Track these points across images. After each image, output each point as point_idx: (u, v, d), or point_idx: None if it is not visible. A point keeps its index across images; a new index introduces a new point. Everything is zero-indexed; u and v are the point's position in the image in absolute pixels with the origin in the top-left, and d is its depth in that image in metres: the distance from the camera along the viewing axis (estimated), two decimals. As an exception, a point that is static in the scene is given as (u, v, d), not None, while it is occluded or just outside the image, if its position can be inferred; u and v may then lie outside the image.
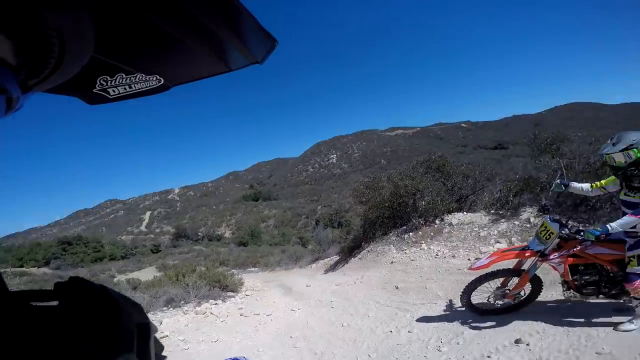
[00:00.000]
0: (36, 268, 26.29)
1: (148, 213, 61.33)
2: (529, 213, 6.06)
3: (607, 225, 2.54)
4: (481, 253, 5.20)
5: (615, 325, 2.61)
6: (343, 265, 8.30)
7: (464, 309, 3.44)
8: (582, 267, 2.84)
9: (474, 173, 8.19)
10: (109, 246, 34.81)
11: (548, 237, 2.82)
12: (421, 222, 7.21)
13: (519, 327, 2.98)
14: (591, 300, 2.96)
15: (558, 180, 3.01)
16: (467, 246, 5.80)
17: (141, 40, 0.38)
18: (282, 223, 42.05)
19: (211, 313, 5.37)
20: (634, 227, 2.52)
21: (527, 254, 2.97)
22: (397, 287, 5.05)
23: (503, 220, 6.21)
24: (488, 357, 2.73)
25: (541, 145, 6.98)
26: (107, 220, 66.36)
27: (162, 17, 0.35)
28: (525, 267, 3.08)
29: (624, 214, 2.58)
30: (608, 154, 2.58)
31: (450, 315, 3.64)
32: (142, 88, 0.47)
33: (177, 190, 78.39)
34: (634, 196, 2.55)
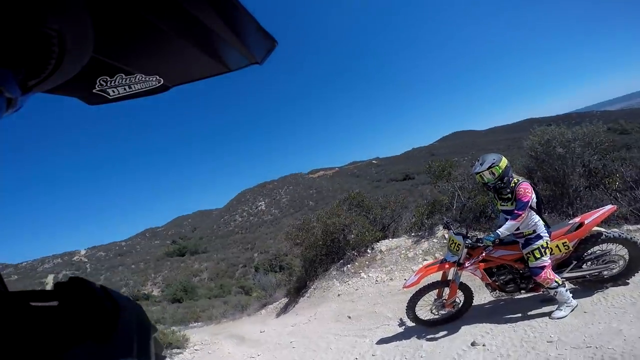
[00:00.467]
0: None
1: (51, 276, 48.70)
2: (441, 231, 6.96)
3: (497, 231, 2.93)
4: (413, 272, 5.66)
5: (549, 315, 2.95)
6: (293, 306, 7.96)
7: (414, 324, 3.62)
8: (495, 269, 3.24)
9: (390, 204, 9.11)
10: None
11: (457, 248, 3.19)
12: (355, 253, 7.56)
13: (469, 331, 3.21)
14: (518, 296, 3.36)
15: (492, 235, 3.01)
16: (400, 268, 6.27)
17: (141, 40, 0.38)
18: (218, 275, 38.50)
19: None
20: (518, 229, 3.00)
21: (446, 266, 3.30)
22: (349, 317, 5.11)
23: (423, 240, 6.97)
24: (455, 362, 2.82)
25: (436, 172, 8.20)
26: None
27: (161, 17, 0.35)
28: (450, 277, 3.39)
29: (506, 220, 2.99)
30: (478, 173, 3.10)
31: (405, 332, 3.78)
32: (141, 88, 0.46)
33: (83, 252, 65.46)
34: (507, 205, 3.09)
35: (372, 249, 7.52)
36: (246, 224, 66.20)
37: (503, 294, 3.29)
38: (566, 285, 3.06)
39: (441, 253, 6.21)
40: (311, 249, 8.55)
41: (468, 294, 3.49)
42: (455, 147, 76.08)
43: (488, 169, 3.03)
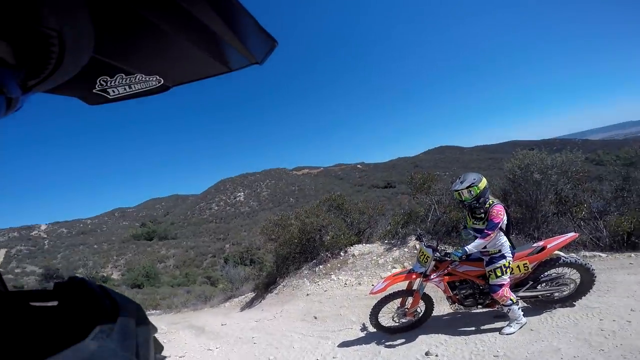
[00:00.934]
0: None
1: (3, 251, 46.05)
2: (414, 241, 7.17)
3: (465, 248, 3.09)
4: (381, 278, 5.80)
5: (499, 330, 3.11)
6: (260, 302, 7.89)
7: (375, 330, 3.72)
8: (458, 283, 3.40)
9: (368, 210, 9.26)
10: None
11: (425, 260, 3.32)
12: (328, 255, 7.66)
13: (425, 340, 3.35)
14: (474, 311, 3.55)
15: (460, 250, 3.14)
16: (369, 273, 6.40)
17: (141, 40, 0.38)
18: (184, 263, 37.18)
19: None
20: (485, 247, 3.15)
21: (413, 276, 3.42)
22: (315, 317, 5.15)
23: (395, 248, 7.15)
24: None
25: (417, 184, 8.44)
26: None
27: (161, 18, 0.35)
28: (415, 287, 3.52)
29: (475, 237, 3.17)
30: (457, 191, 3.24)
31: (366, 337, 3.89)
32: (141, 88, 0.46)
33: (43, 227, 61.92)
34: (479, 224, 3.24)
35: (346, 252, 7.63)
36: (222, 213, 64.86)
37: (461, 307, 3.47)
38: (519, 303, 3.25)
39: (410, 263, 6.39)
40: (285, 245, 8.54)
41: (429, 304, 3.63)
42: (439, 161, 77.63)
43: (467, 187, 3.17)
